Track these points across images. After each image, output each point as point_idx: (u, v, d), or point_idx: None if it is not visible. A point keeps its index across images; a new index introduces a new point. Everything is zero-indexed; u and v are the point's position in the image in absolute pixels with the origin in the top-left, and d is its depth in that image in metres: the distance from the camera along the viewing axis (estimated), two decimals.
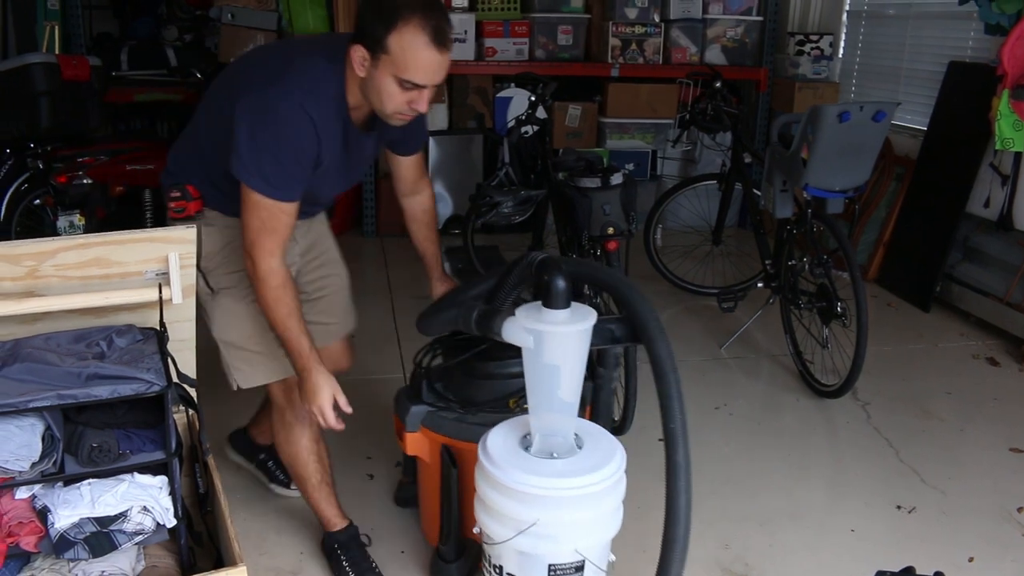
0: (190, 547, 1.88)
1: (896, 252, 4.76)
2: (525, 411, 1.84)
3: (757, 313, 3.90)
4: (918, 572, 1.88)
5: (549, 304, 1.72)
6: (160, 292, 1.79)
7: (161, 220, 3.97)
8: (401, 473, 2.65)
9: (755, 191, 4.05)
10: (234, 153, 1.80)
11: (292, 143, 1.80)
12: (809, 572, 2.42)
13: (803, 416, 3.35)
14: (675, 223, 4.86)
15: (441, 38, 1.73)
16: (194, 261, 1.82)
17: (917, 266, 4.55)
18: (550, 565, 1.79)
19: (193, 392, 1.99)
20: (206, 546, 1.99)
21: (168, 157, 2.10)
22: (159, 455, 1.74)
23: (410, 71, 1.75)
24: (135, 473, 1.73)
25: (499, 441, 1.83)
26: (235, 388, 2.14)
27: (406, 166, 2.28)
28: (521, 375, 1.84)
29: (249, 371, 2.13)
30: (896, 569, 1.94)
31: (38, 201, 3.91)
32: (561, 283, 1.72)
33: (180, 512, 1.76)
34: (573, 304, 1.75)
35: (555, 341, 1.71)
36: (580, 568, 1.80)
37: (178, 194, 2.00)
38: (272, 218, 1.84)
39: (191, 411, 2.00)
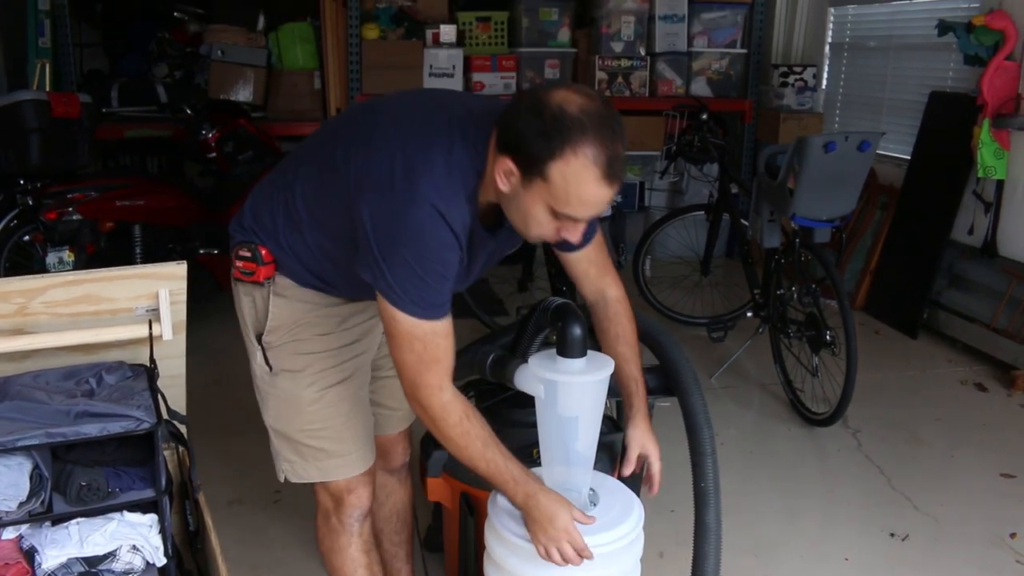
0: None
1: (882, 280, 4.80)
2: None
3: (747, 343, 3.92)
4: None
5: (564, 352, 1.65)
6: (151, 328, 1.78)
7: (150, 256, 3.99)
8: (431, 517, 2.58)
9: (742, 221, 4.08)
10: (371, 264, 1.51)
11: (435, 257, 1.49)
12: None
13: (794, 445, 3.35)
14: (663, 254, 4.89)
15: (615, 172, 1.40)
16: (183, 296, 1.81)
17: (903, 293, 4.59)
18: None
19: (184, 429, 1.98)
20: None
21: (245, 207, 1.78)
22: (149, 493, 1.72)
23: (571, 207, 1.43)
24: (124, 511, 1.72)
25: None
26: (282, 480, 1.88)
27: (576, 262, 1.81)
28: None
29: (303, 466, 1.84)
30: None
31: (27, 238, 3.90)
32: (577, 331, 1.64)
33: (170, 550, 1.74)
34: (590, 353, 1.68)
35: (569, 391, 1.64)
36: None
37: (248, 254, 1.72)
38: (432, 346, 1.54)
39: (181, 448, 1.99)
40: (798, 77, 5.51)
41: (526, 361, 1.70)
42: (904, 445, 3.34)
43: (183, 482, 2.07)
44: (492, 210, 1.57)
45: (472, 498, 1.99)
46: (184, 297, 1.82)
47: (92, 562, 1.69)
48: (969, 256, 4.36)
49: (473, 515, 1.98)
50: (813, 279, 3.46)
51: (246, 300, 1.78)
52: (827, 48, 5.64)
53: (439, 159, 1.50)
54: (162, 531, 1.73)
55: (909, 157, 4.76)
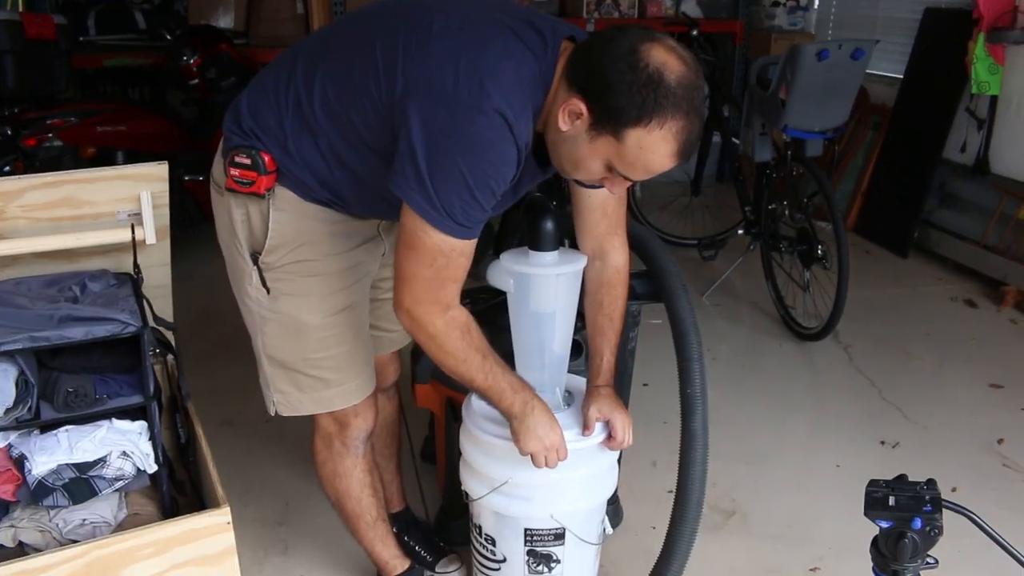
0: (172, 496, 1.85)
1: (874, 200, 4.77)
2: None
3: (738, 261, 3.90)
4: (907, 478, 1.87)
5: (535, 246, 1.64)
6: (133, 233, 1.74)
7: None
8: (427, 428, 2.56)
9: (733, 139, 4.03)
10: (411, 175, 1.36)
11: (490, 166, 1.36)
12: (795, 506, 2.44)
13: (786, 359, 3.36)
14: (655, 176, 4.82)
15: (689, 150, 1.35)
16: (166, 200, 1.77)
17: (895, 213, 4.57)
18: (526, 530, 1.73)
19: (171, 337, 1.96)
20: (189, 496, 1.96)
21: (241, 106, 1.58)
22: (137, 399, 1.70)
23: (633, 171, 1.36)
24: (113, 418, 1.70)
25: None
26: (272, 413, 1.76)
27: (592, 208, 1.67)
28: None
29: (298, 398, 1.72)
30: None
31: (7, 168, 3.82)
32: (548, 224, 1.62)
33: (161, 458, 1.73)
34: (563, 249, 1.67)
35: (540, 285, 1.63)
36: (560, 536, 1.73)
37: (247, 161, 1.52)
38: (451, 265, 1.43)
39: (170, 359, 1.97)
40: None
41: (497, 256, 1.67)
42: (895, 359, 3.35)
43: (172, 395, 2.06)
44: (539, 140, 1.45)
45: (457, 404, 1.97)
46: (167, 201, 1.78)
47: (82, 468, 1.67)
48: (961, 174, 4.33)
49: (458, 420, 1.93)
50: (805, 194, 3.43)
51: (238, 214, 1.59)
52: None
53: (509, 68, 1.36)
54: (152, 438, 1.71)
55: (902, 76, 4.70)
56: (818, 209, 3.42)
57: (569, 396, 1.79)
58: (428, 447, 2.52)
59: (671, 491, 1.73)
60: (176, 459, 2.03)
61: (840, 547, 2.24)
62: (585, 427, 1.69)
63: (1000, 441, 2.75)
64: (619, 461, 1.84)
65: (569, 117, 1.35)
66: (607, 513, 2.18)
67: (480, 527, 1.82)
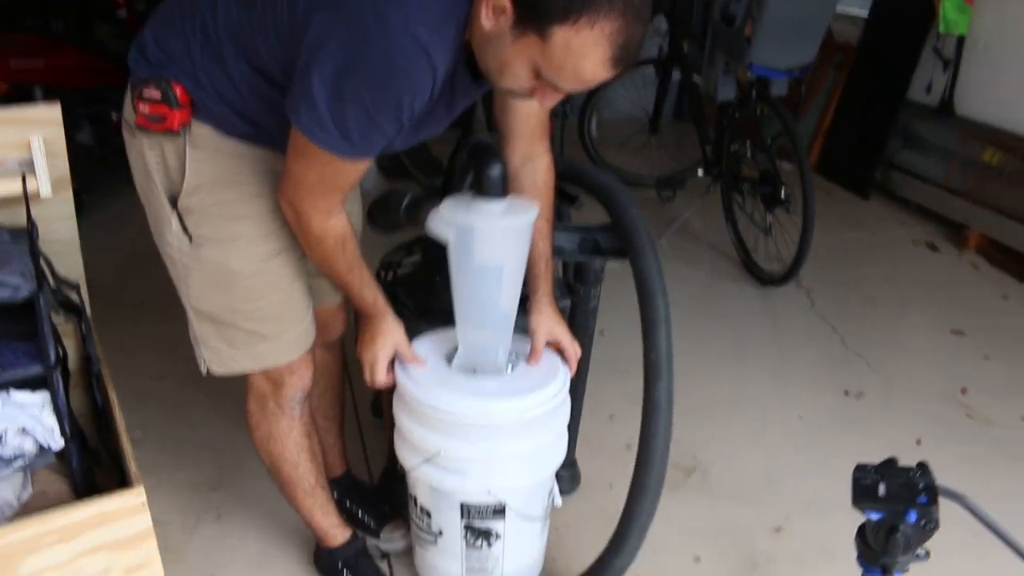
0: (88, 468, 1.68)
1: (835, 141, 4.65)
2: None
3: (697, 202, 3.77)
4: (897, 463, 1.78)
5: (481, 192, 1.48)
6: (24, 184, 1.53)
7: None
8: None
9: (694, 76, 3.86)
10: (303, 94, 1.23)
11: (396, 93, 1.22)
12: (757, 460, 2.35)
13: (746, 304, 3.26)
14: (611, 113, 4.66)
15: (626, 56, 1.18)
16: (63, 147, 1.56)
17: (856, 154, 4.47)
18: (463, 504, 1.60)
19: (83, 296, 1.76)
20: (107, 466, 1.79)
21: (146, 35, 1.43)
22: (37, 369, 1.52)
23: (561, 77, 1.20)
24: (11, 390, 1.51)
25: (420, 354, 1.60)
26: (204, 372, 1.62)
27: (520, 119, 1.56)
28: None
29: (229, 354, 1.58)
30: (875, 463, 1.84)
31: None
32: (496, 170, 1.47)
33: (68, 431, 1.55)
34: (511, 198, 1.51)
35: (486, 238, 1.47)
36: (500, 511, 1.60)
37: (157, 94, 1.36)
38: (338, 175, 1.34)
39: (78, 318, 1.78)
40: None
41: (438, 203, 1.50)
42: (857, 304, 3.27)
43: (88, 355, 1.87)
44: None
45: None
46: (63, 148, 1.57)
47: None
48: (925, 115, 4.23)
49: None
50: (769, 134, 3.29)
51: (152, 156, 1.44)
52: None
53: None
54: (56, 410, 1.53)
55: (867, 14, 4.55)
56: (781, 149, 3.29)
57: (514, 358, 1.63)
58: (377, 402, 2.38)
59: (629, 445, 1.64)
60: (91, 423, 1.86)
61: (804, 505, 2.16)
62: (532, 353, 1.62)
63: (963, 391, 2.69)
64: (571, 427, 1.71)
65: (493, 13, 1.19)
66: (564, 477, 2.06)
67: (415, 498, 1.69)
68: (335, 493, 1.91)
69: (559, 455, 1.67)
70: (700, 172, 3.65)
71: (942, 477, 1.19)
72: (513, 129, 1.57)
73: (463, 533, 1.65)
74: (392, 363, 1.59)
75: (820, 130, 4.71)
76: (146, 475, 1.52)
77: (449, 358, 1.61)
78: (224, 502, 2.13)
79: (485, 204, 1.47)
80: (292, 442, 1.71)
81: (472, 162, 1.56)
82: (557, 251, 1.72)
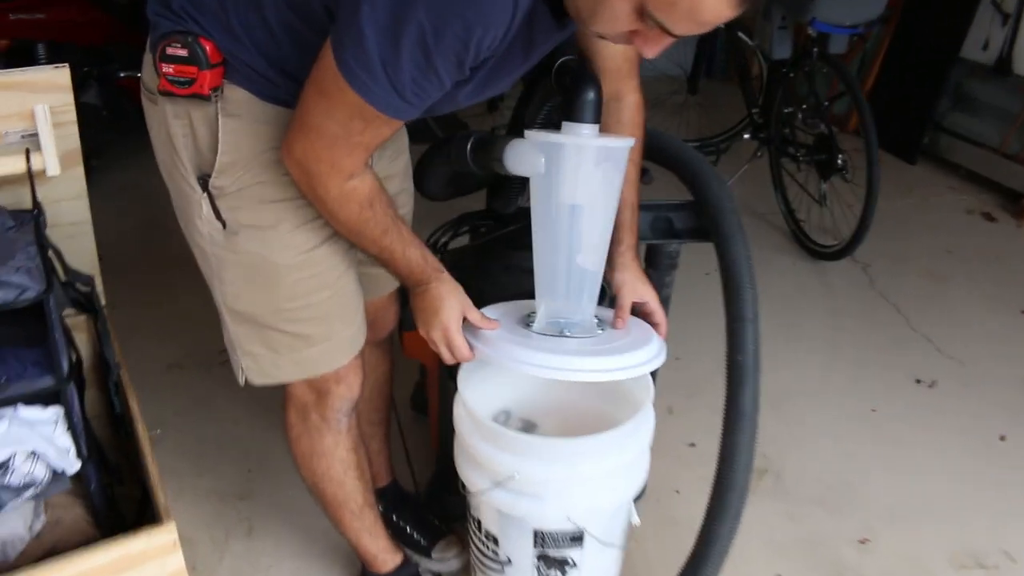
0: (106, 485, 1.47)
1: (879, 101, 4.37)
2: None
3: (743, 168, 3.52)
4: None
5: (572, 117, 1.26)
6: (28, 160, 1.30)
7: None
8: (417, 373, 2.17)
9: (738, 33, 3.59)
10: (348, 26, 1.00)
11: (466, 26, 0.98)
12: (832, 460, 2.15)
13: (801, 281, 3.04)
14: (646, 71, 4.36)
15: None
16: (72, 116, 1.31)
17: (903, 116, 4.20)
18: (536, 531, 1.41)
19: (98, 292, 1.54)
20: (127, 483, 1.58)
21: None
22: (48, 381, 1.30)
23: (674, 17, 0.96)
24: (19, 405, 1.29)
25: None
26: (241, 383, 1.42)
27: (606, 55, 1.35)
28: None
29: (272, 361, 1.37)
30: None
31: None
32: (591, 93, 1.25)
33: (84, 450, 1.33)
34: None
35: (577, 163, 1.24)
36: (578, 538, 1.41)
37: (184, 52, 1.14)
38: (367, 130, 1.10)
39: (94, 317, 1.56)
40: None
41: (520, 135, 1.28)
42: (918, 280, 3.05)
43: (103, 354, 1.65)
44: None
45: None
46: (73, 118, 1.33)
47: None
48: (980, 74, 3.96)
49: (453, 378, 1.51)
50: (824, 96, 3.04)
51: (178, 126, 1.21)
52: None
53: None
54: (71, 428, 1.31)
55: None
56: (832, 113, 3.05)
57: (601, 323, 1.41)
58: (419, 394, 2.16)
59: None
60: (108, 427, 1.64)
61: (889, 513, 1.97)
62: (617, 311, 1.42)
63: None
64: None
65: None
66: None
67: (479, 521, 1.49)
68: (380, 507, 1.70)
69: (642, 473, 1.48)
70: (746, 135, 3.40)
71: None
72: (598, 65, 1.35)
73: (535, 563, 1.45)
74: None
75: (862, 89, 4.44)
76: (166, 480, 1.32)
77: (525, 324, 1.39)
78: (255, 513, 1.93)
79: (577, 126, 1.26)
80: (337, 459, 1.50)
81: (559, 83, 1.33)
82: None
